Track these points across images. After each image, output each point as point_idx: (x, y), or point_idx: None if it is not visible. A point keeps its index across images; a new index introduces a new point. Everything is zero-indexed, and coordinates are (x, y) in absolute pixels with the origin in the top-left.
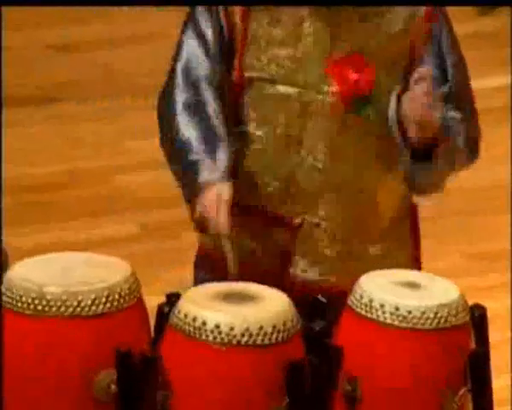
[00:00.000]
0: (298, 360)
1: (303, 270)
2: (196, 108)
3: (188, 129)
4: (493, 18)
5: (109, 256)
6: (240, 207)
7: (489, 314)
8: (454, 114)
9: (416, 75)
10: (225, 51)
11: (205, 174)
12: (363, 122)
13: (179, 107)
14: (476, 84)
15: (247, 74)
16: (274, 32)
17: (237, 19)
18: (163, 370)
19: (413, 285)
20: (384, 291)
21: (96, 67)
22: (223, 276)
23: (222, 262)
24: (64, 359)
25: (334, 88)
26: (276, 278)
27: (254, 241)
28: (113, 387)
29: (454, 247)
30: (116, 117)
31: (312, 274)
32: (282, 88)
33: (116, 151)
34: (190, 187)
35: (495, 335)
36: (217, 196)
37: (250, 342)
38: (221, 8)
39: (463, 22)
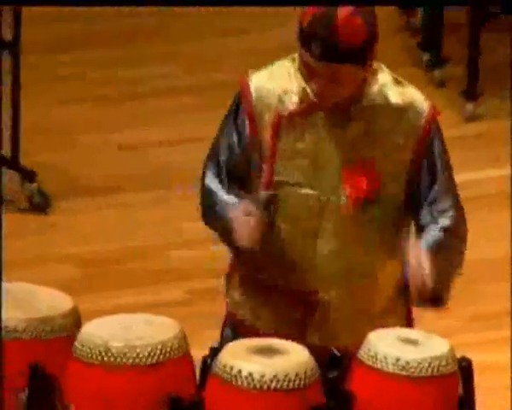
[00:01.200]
0: (317, 403)
1: (316, 337)
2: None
3: (222, 197)
4: (477, 124)
5: (162, 317)
6: (265, 286)
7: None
8: (444, 223)
9: (411, 256)
10: (247, 157)
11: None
12: (369, 220)
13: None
14: (473, 176)
15: (276, 178)
16: (299, 146)
17: (267, 136)
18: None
19: (411, 341)
20: (387, 346)
21: (150, 162)
22: (242, 333)
23: (243, 326)
24: (126, 399)
25: (347, 192)
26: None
27: (275, 314)
28: None
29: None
30: (167, 203)
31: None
32: (304, 190)
33: (168, 231)
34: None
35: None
36: (244, 211)
37: (278, 387)
38: (247, 124)
39: (451, 127)
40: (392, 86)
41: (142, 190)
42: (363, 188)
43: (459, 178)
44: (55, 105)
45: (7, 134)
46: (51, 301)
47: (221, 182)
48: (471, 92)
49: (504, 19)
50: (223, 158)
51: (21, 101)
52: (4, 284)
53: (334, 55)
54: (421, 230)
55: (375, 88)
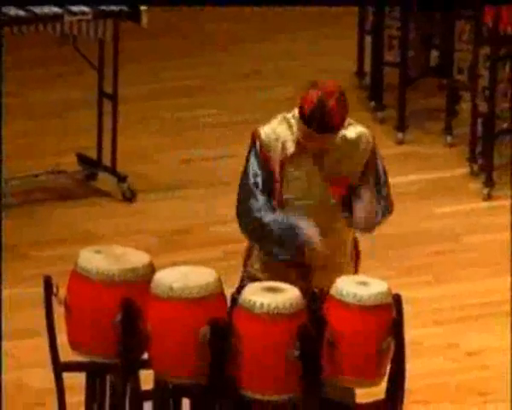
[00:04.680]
0: (303, 323)
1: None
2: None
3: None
4: (404, 146)
5: (207, 267)
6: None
7: None
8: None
9: (362, 191)
10: (269, 183)
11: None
12: (340, 209)
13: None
14: (403, 179)
15: (284, 196)
16: (296, 173)
17: (277, 168)
18: (234, 330)
19: (363, 283)
20: (349, 286)
21: (200, 171)
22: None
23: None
24: (183, 320)
25: (332, 193)
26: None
27: (284, 277)
28: (208, 336)
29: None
30: (210, 197)
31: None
32: (302, 201)
33: (210, 214)
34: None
35: None
36: (311, 230)
37: (279, 313)
38: (262, 160)
39: (389, 148)
40: (347, 127)
41: (194, 188)
42: (340, 191)
43: (393, 180)
44: (144, 134)
45: (108, 151)
46: (135, 257)
47: (266, 206)
48: (400, 126)
49: (420, 81)
50: (260, 188)
51: (121, 132)
52: (96, 248)
53: (324, 130)
54: None
55: (341, 132)
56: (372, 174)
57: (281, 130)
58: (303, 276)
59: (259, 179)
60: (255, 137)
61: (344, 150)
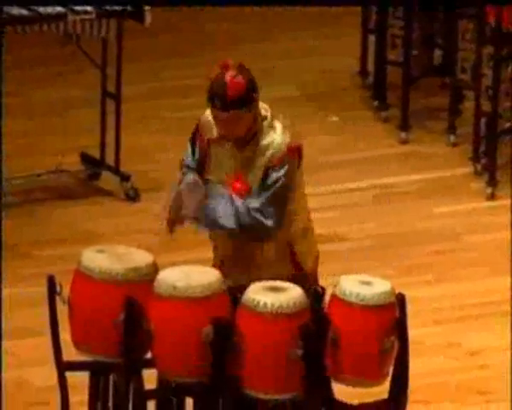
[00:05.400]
0: (307, 322)
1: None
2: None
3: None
4: (407, 145)
5: (208, 267)
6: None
7: None
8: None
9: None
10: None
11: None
12: None
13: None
14: (404, 178)
15: (207, 177)
16: (217, 157)
17: (205, 147)
18: (237, 329)
19: (366, 283)
20: (352, 286)
21: None
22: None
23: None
24: (186, 319)
25: (231, 190)
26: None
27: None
28: (211, 335)
29: None
30: None
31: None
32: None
33: None
34: None
35: None
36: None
37: (282, 312)
38: (198, 140)
39: (392, 148)
40: (267, 132)
41: None
42: (237, 191)
43: (395, 179)
44: (145, 133)
45: (111, 150)
46: (138, 257)
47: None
48: (404, 126)
49: (424, 80)
50: (187, 162)
51: (123, 131)
52: (99, 248)
53: (225, 104)
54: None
55: (263, 129)
56: (266, 179)
57: (210, 116)
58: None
59: (189, 160)
60: (198, 120)
61: (257, 153)
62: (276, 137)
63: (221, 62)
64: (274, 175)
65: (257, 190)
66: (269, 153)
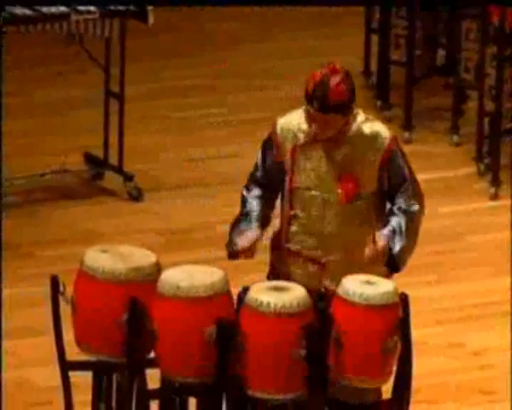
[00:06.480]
0: (310, 323)
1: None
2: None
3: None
4: (411, 145)
5: (212, 267)
6: (289, 251)
7: None
8: (411, 205)
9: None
10: (270, 175)
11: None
12: (355, 208)
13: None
14: None
15: (294, 185)
16: (306, 163)
17: (288, 156)
18: (240, 329)
19: (369, 283)
20: (355, 286)
21: (205, 170)
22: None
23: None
24: (189, 319)
25: (340, 192)
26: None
27: (300, 269)
28: (214, 335)
29: None
30: (213, 196)
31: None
32: (312, 192)
33: (212, 213)
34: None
35: None
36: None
37: (285, 312)
38: (275, 149)
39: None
40: (365, 123)
41: (197, 187)
42: (351, 190)
43: None
44: (145, 133)
45: (114, 150)
46: (141, 256)
47: (251, 190)
48: (407, 126)
49: (427, 80)
50: (257, 174)
51: (124, 131)
52: (102, 247)
53: (326, 109)
54: (392, 212)
55: (354, 125)
56: (393, 177)
57: (296, 119)
58: (315, 272)
59: (259, 173)
60: (272, 127)
61: (357, 147)
62: (377, 126)
63: (331, 65)
64: (397, 161)
65: (377, 182)
66: (376, 144)
